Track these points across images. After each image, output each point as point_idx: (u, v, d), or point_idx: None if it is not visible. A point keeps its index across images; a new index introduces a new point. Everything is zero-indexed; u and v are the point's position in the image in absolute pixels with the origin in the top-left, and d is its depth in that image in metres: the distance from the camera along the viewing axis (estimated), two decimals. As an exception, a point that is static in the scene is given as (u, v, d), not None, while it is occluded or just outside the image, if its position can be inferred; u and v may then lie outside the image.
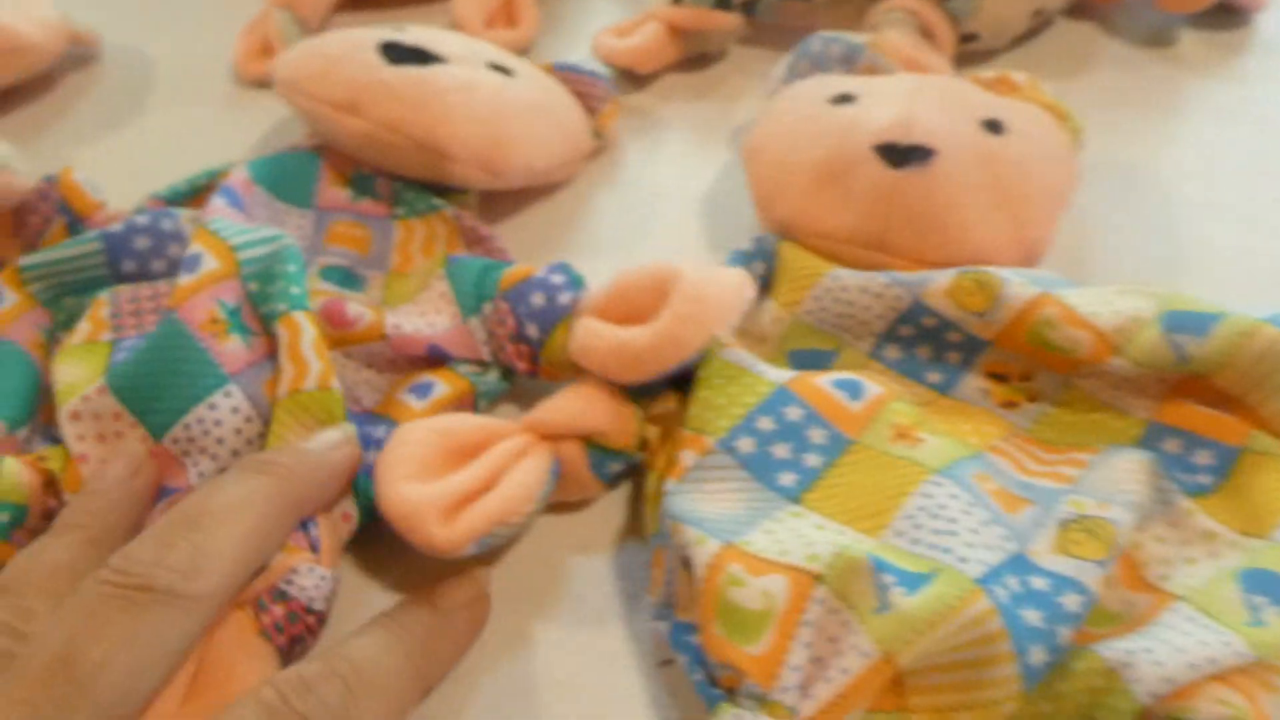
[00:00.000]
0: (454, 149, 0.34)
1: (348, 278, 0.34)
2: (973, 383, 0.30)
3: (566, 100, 0.39)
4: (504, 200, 0.38)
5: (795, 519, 0.25)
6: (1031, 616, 0.22)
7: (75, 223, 0.34)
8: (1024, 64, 0.44)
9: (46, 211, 0.34)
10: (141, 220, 0.33)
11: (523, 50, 0.46)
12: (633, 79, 0.44)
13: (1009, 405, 0.30)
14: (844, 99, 0.35)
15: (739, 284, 0.28)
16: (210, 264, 0.29)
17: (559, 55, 0.46)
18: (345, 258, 0.34)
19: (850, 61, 0.38)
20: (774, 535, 0.24)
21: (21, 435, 0.29)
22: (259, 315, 0.29)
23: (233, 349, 0.28)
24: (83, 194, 0.34)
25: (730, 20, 0.44)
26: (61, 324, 0.32)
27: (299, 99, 0.35)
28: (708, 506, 0.25)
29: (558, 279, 0.29)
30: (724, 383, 0.27)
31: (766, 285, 0.33)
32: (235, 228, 0.30)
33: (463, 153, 0.34)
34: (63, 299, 0.32)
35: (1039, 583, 0.23)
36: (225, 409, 0.27)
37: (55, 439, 0.29)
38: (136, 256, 0.33)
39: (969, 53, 0.44)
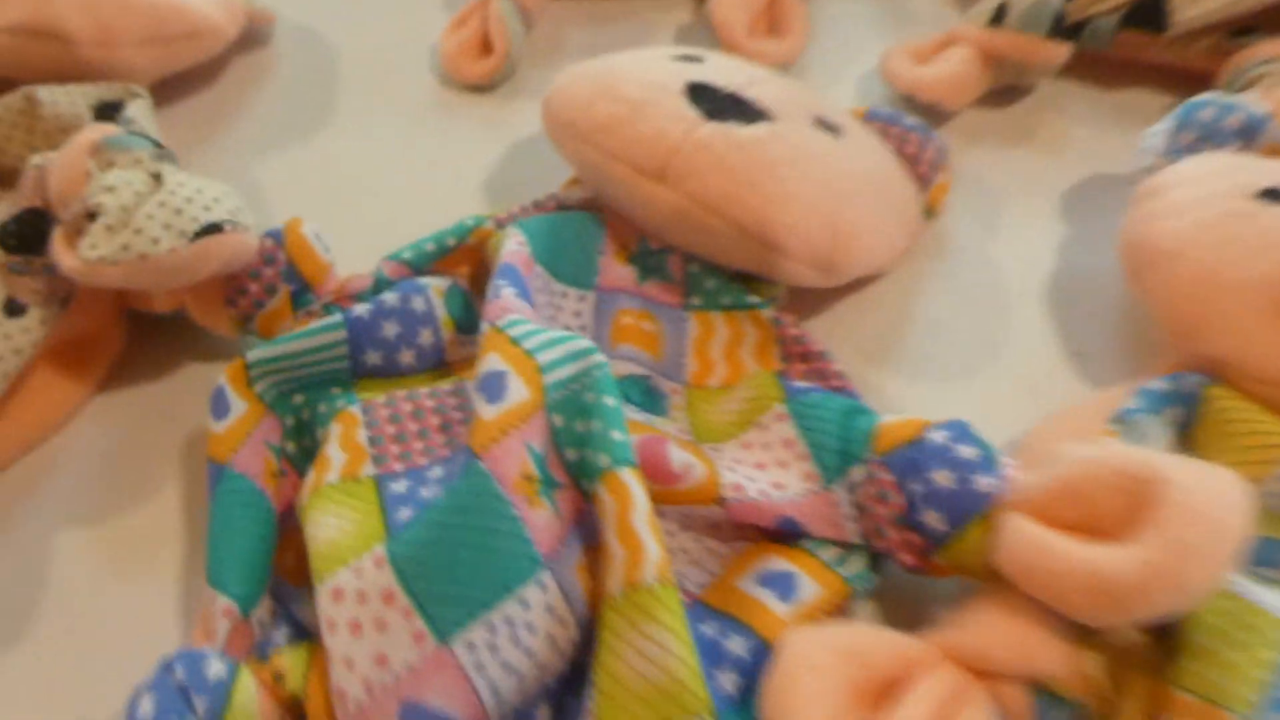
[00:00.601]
0: (789, 243, 0.26)
1: (649, 395, 0.26)
2: None
3: (899, 171, 0.31)
4: (810, 293, 0.30)
5: None
6: None
7: (301, 291, 0.27)
8: None
9: (270, 277, 0.27)
10: (390, 301, 0.26)
11: (788, 68, 0.38)
12: (929, 116, 0.36)
13: None
14: (1273, 195, 0.27)
15: (1241, 499, 0.20)
16: (520, 393, 0.22)
17: (822, 73, 0.38)
18: (639, 362, 0.27)
19: (1250, 135, 0.30)
20: None
21: (256, 616, 0.22)
22: (563, 463, 0.22)
23: (544, 520, 0.21)
24: (314, 255, 0.27)
25: (1062, 52, 0.36)
26: (291, 433, 0.25)
27: (585, 150, 0.28)
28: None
29: (967, 452, 0.22)
30: (1231, 626, 0.20)
31: (1185, 436, 0.26)
32: (535, 333, 0.23)
33: (798, 248, 0.27)
34: (290, 396, 0.25)
35: None
36: (539, 607, 0.20)
37: (293, 618, 0.22)
38: (383, 346, 0.26)
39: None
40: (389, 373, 0.26)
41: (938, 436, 0.22)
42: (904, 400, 0.28)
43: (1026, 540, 0.21)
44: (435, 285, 0.27)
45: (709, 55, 0.30)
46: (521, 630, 0.20)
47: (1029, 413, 0.27)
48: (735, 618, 0.22)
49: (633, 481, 0.21)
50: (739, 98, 0.28)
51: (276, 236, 0.27)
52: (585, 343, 0.23)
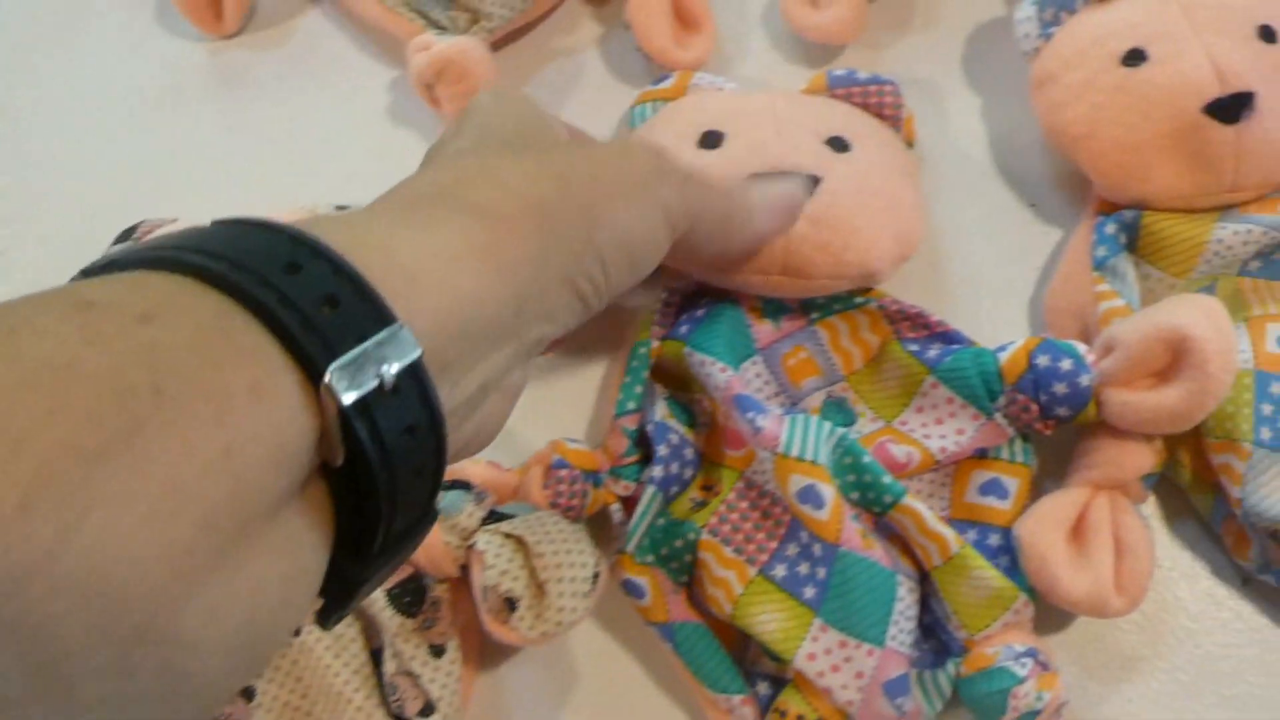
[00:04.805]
0: (884, 269, 0.37)
1: (840, 409, 0.39)
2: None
3: (891, 137, 0.40)
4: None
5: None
6: None
7: (593, 476, 0.37)
8: None
9: (575, 489, 0.37)
10: (663, 451, 0.37)
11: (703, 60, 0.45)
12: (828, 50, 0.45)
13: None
14: (1135, 57, 0.39)
15: (1232, 333, 0.35)
16: (829, 494, 0.34)
17: (735, 30, 0.46)
18: (819, 385, 0.39)
19: (1091, -11, 0.41)
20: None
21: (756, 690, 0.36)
22: (854, 504, 0.35)
23: (879, 550, 0.35)
24: (585, 454, 0.38)
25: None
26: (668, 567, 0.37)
27: (709, 274, 0.37)
28: (1277, 501, 0.35)
29: (1066, 364, 0.36)
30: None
31: (1133, 250, 0.40)
32: (800, 441, 0.35)
33: (889, 267, 0.38)
34: (656, 550, 0.37)
35: None
36: (905, 592, 0.35)
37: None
38: (677, 481, 0.37)
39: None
40: (680, 492, 0.37)
41: (1041, 360, 0.36)
42: (943, 281, 0.41)
43: (1121, 404, 0.35)
44: (668, 415, 0.37)
45: (723, 127, 0.38)
46: (906, 610, 0.34)
47: (1020, 263, 0.41)
48: (982, 521, 0.37)
49: (912, 503, 0.34)
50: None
51: (559, 464, 0.36)
52: (817, 423, 0.35)
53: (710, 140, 0.38)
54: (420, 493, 0.20)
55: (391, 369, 0.19)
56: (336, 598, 0.21)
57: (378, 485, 0.19)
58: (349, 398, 0.18)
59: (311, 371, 0.18)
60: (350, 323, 0.19)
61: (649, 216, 0.27)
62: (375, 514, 0.19)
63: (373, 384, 0.18)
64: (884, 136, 0.40)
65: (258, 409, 0.17)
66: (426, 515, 0.21)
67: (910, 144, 0.42)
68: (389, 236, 0.21)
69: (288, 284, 0.18)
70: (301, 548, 0.19)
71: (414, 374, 0.19)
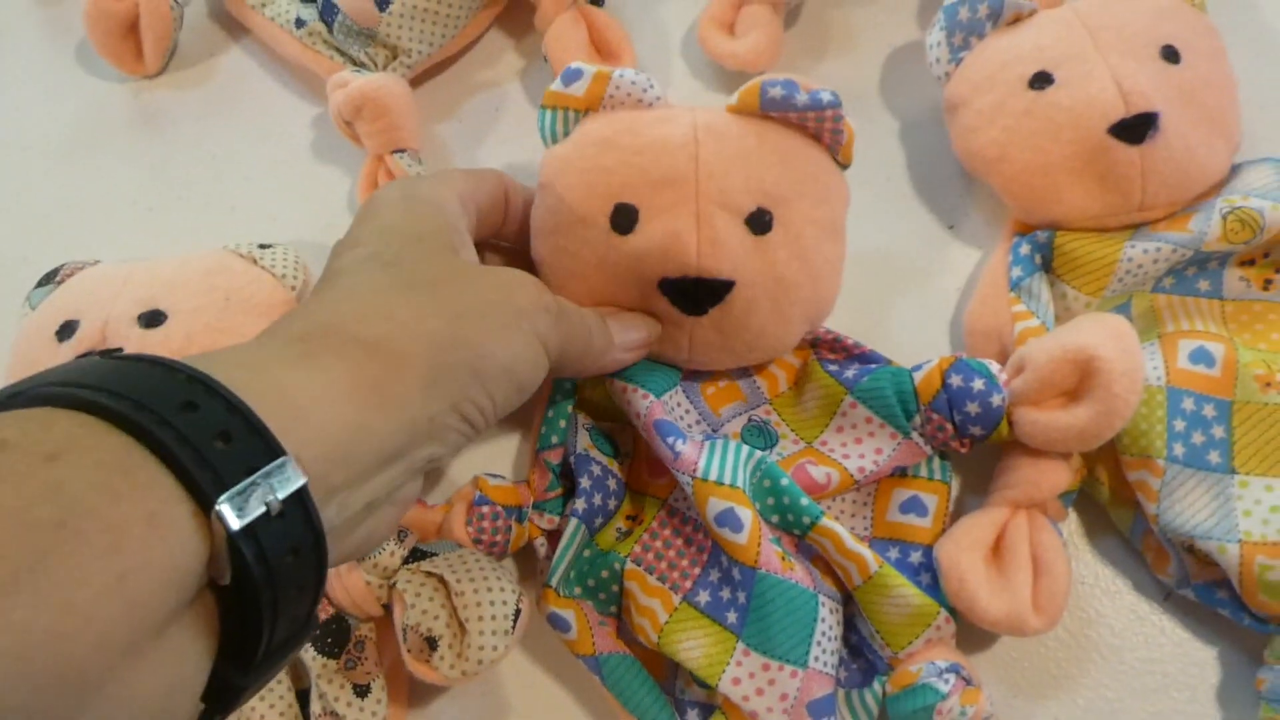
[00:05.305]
0: (783, 351, 0.38)
1: (761, 432, 0.39)
2: (1233, 276, 0.40)
3: (822, 167, 0.38)
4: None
5: (1244, 488, 0.36)
6: None
7: (516, 510, 0.37)
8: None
9: (497, 525, 0.37)
10: (585, 484, 0.37)
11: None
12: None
13: (1267, 284, 0.40)
14: (1042, 80, 0.40)
15: (1139, 354, 0.35)
16: (747, 517, 0.34)
17: (655, 59, 0.46)
18: (740, 410, 0.39)
19: (997, 16, 0.42)
20: (1255, 517, 0.35)
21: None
22: (774, 526, 0.35)
23: (800, 571, 0.35)
24: (507, 489, 0.38)
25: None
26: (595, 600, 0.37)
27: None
28: (1191, 516, 0.35)
29: (979, 384, 0.36)
30: (1141, 406, 0.36)
31: (1049, 270, 0.40)
32: (718, 466, 0.35)
33: (793, 344, 0.38)
34: (583, 581, 0.37)
35: None
36: (829, 612, 0.35)
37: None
38: (601, 512, 0.37)
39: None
40: (605, 523, 0.37)
41: (955, 380, 0.36)
42: (863, 303, 0.42)
43: (1031, 423, 0.36)
44: (590, 446, 0.37)
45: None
46: (829, 630, 0.34)
47: (940, 284, 0.42)
48: (903, 540, 0.37)
49: (830, 524, 0.35)
50: (700, 281, 0.35)
51: (481, 501, 0.36)
52: (748, 449, 0.35)
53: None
54: (301, 606, 0.22)
55: (278, 497, 0.21)
56: (218, 704, 0.22)
57: (261, 602, 0.21)
58: (236, 524, 0.20)
59: (203, 501, 0.20)
60: (241, 455, 0.21)
61: (531, 345, 0.30)
62: (258, 626, 0.21)
63: (259, 510, 0.20)
64: (816, 190, 0.37)
65: (152, 537, 0.19)
66: (307, 625, 0.23)
67: (845, 165, 0.39)
68: (282, 375, 0.24)
69: (184, 421, 0.20)
70: (186, 659, 0.21)
71: (299, 500, 0.21)
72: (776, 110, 0.36)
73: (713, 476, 0.35)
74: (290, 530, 0.21)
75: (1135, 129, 0.38)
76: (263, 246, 0.42)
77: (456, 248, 0.32)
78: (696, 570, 0.36)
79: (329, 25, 0.44)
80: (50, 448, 0.19)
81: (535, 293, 0.31)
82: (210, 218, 0.45)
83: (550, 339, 0.31)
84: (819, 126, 0.37)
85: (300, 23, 0.45)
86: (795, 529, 0.35)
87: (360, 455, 0.24)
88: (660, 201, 0.35)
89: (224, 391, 0.21)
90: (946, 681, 0.34)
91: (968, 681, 0.34)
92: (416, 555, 0.36)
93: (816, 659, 0.34)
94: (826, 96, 0.36)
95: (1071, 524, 0.39)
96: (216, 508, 0.20)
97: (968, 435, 0.36)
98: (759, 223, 0.36)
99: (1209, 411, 0.37)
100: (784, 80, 0.36)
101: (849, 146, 0.38)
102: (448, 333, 0.27)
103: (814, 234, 0.37)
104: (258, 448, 0.21)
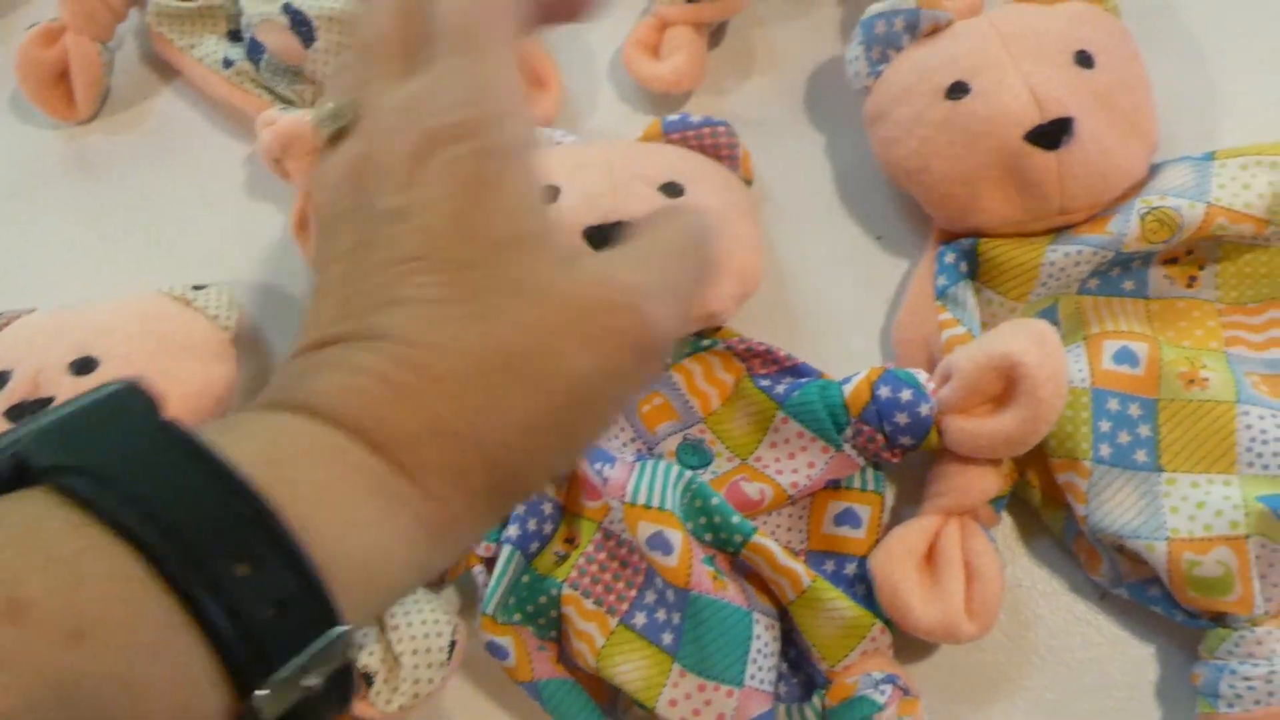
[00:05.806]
0: (726, 309, 0.38)
1: (696, 450, 0.39)
2: (1157, 274, 0.40)
3: (726, 176, 0.41)
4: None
5: (1171, 486, 0.36)
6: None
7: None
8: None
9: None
10: (519, 511, 0.37)
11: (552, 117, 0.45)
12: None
13: (1191, 281, 0.40)
14: (959, 89, 0.40)
15: (1062, 358, 0.35)
16: (676, 539, 0.34)
17: (583, 85, 0.46)
18: (675, 429, 0.39)
19: (914, 28, 0.42)
20: (1182, 514, 0.35)
21: None
22: (708, 545, 0.36)
23: (733, 590, 0.35)
24: None
25: (747, -2, 0.45)
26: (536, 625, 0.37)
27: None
28: (1119, 516, 0.36)
29: (907, 394, 0.36)
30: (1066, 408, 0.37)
31: (974, 277, 0.41)
32: (646, 489, 0.35)
33: (730, 307, 0.38)
34: (522, 609, 0.37)
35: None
36: (764, 629, 0.35)
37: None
38: (537, 538, 0.37)
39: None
40: (542, 548, 0.37)
41: (883, 391, 0.36)
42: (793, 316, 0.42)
43: (958, 430, 0.36)
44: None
45: (557, 180, 0.39)
46: (765, 648, 0.35)
47: (869, 295, 0.42)
48: (838, 552, 0.37)
49: (762, 540, 0.35)
50: (610, 225, 0.37)
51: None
52: (667, 466, 0.35)
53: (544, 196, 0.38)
54: None
55: (323, 678, 0.18)
56: None
57: None
58: (273, 713, 0.17)
59: (241, 686, 0.17)
60: (295, 630, 0.18)
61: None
62: None
63: (299, 696, 0.18)
64: (719, 178, 0.41)
65: None
66: None
67: (749, 181, 0.43)
68: (354, 513, 0.20)
69: (238, 589, 0.17)
70: None
71: (345, 674, 0.19)
72: (676, 131, 0.41)
73: (641, 500, 0.35)
74: (327, 702, 0.18)
75: (1051, 134, 0.39)
76: (197, 287, 0.42)
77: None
78: (633, 593, 0.36)
79: (256, 64, 0.44)
80: (75, 623, 0.16)
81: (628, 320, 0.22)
82: (148, 260, 0.46)
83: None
84: (715, 143, 0.41)
85: (228, 62, 0.45)
86: (729, 547, 0.36)
87: (408, 589, 0.22)
88: (577, 179, 0.39)
89: (291, 546, 0.18)
90: (883, 693, 0.34)
91: (905, 692, 0.34)
92: None
93: (753, 677, 0.34)
94: (718, 120, 0.42)
95: (1006, 527, 0.39)
96: (255, 696, 0.17)
97: (898, 445, 0.37)
98: (672, 189, 0.39)
99: (1134, 411, 0.37)
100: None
101: (747, 162, 0.42)
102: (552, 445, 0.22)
103: (723, 208, 0.40)
104: (315, 617, 0.18)
